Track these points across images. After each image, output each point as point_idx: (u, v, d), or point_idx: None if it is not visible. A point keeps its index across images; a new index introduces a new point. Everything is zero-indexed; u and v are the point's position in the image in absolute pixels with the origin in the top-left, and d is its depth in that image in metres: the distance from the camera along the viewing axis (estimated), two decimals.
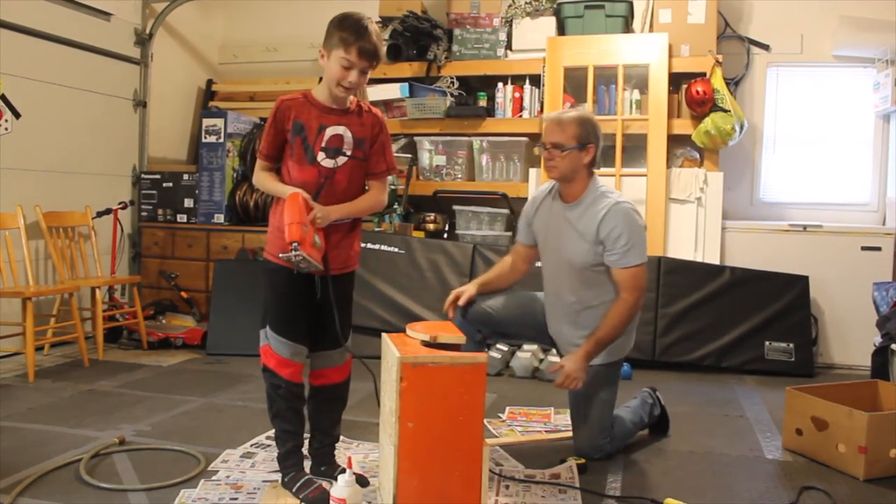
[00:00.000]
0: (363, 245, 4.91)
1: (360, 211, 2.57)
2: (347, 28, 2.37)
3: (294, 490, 2.49)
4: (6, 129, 4.60)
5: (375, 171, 2.60)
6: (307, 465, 2.67)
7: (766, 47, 5.40)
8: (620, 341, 2.91)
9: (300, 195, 2.37)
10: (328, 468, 2.66)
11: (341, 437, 3.02)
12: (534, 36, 5.40)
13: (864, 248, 4.78)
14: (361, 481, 2.54)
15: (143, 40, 5.70)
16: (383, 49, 2.50)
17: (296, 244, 2.25)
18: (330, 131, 2.47)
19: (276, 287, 2.53)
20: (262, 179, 2.53)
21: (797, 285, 4.63)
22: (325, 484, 2.51)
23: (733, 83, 5.31)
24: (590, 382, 2.84)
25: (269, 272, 2.54)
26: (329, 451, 2.71)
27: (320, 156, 2.46)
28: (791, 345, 4.52)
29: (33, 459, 2.82)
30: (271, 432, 3.04)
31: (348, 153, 2.50)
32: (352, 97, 2.54)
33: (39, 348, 4.58)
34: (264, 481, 2.62)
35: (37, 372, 4.16)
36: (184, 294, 5.35)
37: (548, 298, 3.09)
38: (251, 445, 3.01)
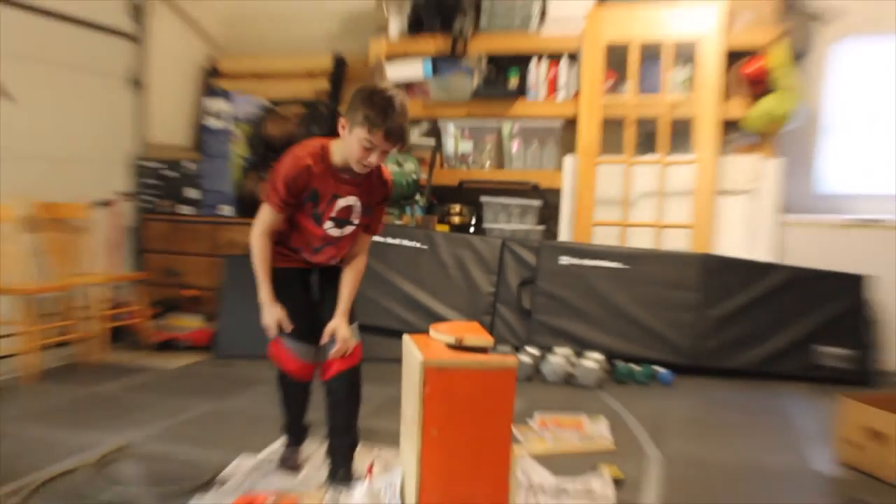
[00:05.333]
0: (383, 240, 4.98)
1: (354, 292, 2.81)
2: (375, 106, 2.44)
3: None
4: None
5: (371, 229, 2.83)
6: (324, 470, 2.87)
7: (832, 20, 5.25)
8: None
9: None
10: (345, 472, 2.80)
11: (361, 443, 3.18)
12: (571, 6, 5.32)
13: None
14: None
15: (138, 12, 5.69)
16: (408, 128, 2.61)
17: None
18: (342, 202, 2.68)
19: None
20: (260, 248, 2.73)
21: (854, 285, 4.65)
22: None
23: (794, 60, 5.17)
24: None
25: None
26: (347, 453, 2.84)
27: (327, 224, 2.69)
28: (846, 350, 4.54)
29: (35, 465, 2.96)
30: (283, 440, 3.20)
31: (356, 222, 2.74)
32: None
33: (40, 349, 4.71)
34: (278, 490, 2.72)
35: (37, 374, 4.32)
36: (187, 293, 5.45)
37: None
38: (265, 456, 3.09)
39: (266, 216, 2.68)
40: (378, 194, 2.75)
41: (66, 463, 3.00)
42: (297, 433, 3.03)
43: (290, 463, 2.96)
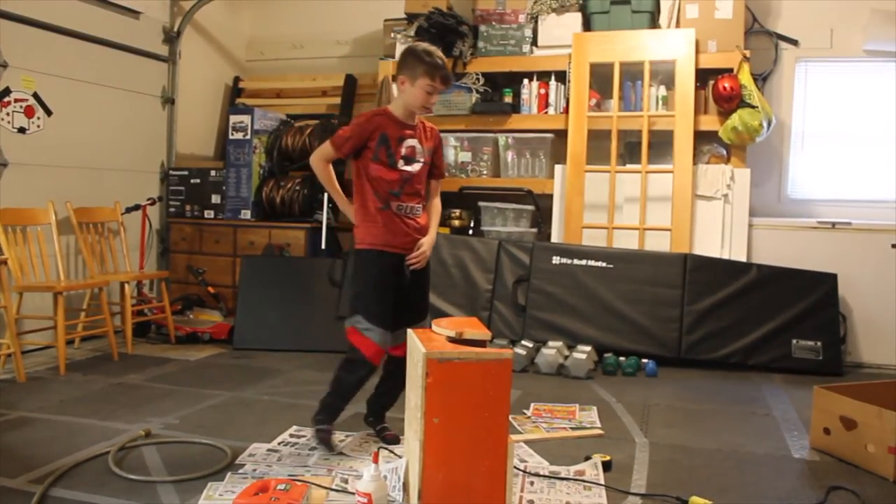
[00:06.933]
0: None
1: (438, 223, 3.10)
2: (432, 60, 2.83)
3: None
4: (38, 126, 4.66)
5: (437, 173, 3.09)
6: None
7: (794, 42, 5.33)
8: None
9: None
10: (377, 421, 3.12)
11: (368, 432, 3.09)
12: (559, 32, 5.38)
13: (893, 246, 4.69)
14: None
15: (172, 38, 5.77)
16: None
17: None
18: (407, 143, 2.93)
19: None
20: (327, 175, 2.99)
21: (825, 283, 4.56)
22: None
23: (761, 79, 5.25)
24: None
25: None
26: (383, 411, 3.13)
27: (401, 163, 2.91)
28: (819, 343, 4.45)
29: (64, 450, 2.87)
30: (294, 429, 3.07)
31: (421, 160, 2.96)
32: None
33: (70, 342, 4.65)
34: (290, 475, 2.63)
35: (68, 365, 4.23)
36: (211, 289, 5.39)
37: None
38: (278, 443, 3.01)
39: (325, 149, 2.95)
40: (432, 139, 3.02)
41: (93, 448, 2.91)
42: (337, 413, 3.02)
43: (329, 441, 2.92)
